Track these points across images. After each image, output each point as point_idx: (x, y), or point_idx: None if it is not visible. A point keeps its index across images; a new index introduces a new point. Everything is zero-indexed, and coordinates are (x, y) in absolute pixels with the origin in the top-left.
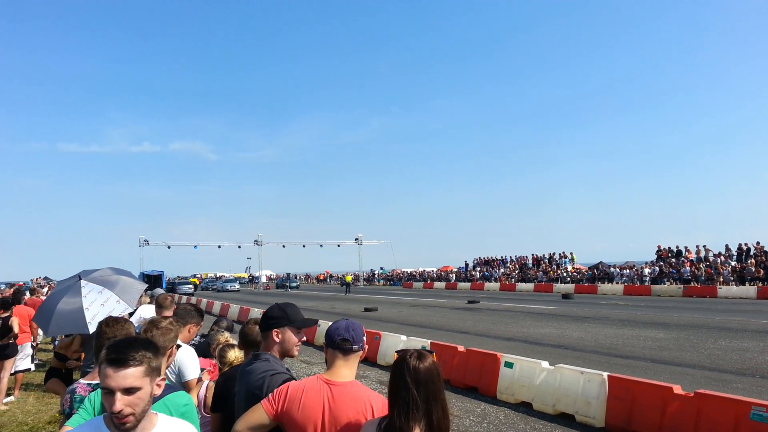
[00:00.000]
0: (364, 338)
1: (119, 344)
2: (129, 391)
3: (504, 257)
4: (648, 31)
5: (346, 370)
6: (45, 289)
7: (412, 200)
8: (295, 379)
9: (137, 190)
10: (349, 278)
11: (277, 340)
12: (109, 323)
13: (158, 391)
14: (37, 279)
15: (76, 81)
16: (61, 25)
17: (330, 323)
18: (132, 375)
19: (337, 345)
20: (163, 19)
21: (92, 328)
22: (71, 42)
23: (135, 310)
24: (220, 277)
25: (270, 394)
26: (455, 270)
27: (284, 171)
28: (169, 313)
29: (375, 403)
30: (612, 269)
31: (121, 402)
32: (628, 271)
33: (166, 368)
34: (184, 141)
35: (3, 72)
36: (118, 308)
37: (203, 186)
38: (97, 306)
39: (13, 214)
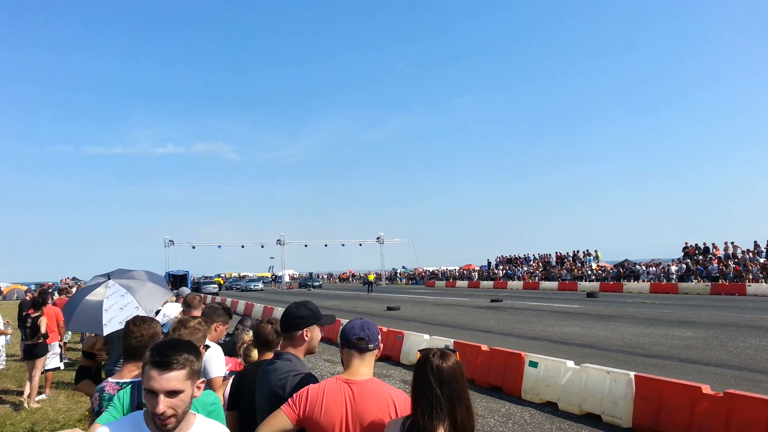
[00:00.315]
0: (379, 337)
1: (163, 346)
2: (172, 393)
3: (527, 255)
4: (675, 23)
5: (364, 368)
6: (74, 290)
7: (433, 199)
8: (317, 380)
9: (162, 191)
10: (371, 277)
11: (306, 339)
12: (136, 322)
13: (198, 393)
14: (65, 280)
15: (100, 84)
16: (86, 28)
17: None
18: (175, 378)
19: (353, 344)
20: (184, 20)
21: (107, 331)
22: (95, 45)
23: (160, 309)
24: (243, 277)
25: (290, 399)
26: (478, 268)
27: (306, 170)
28: (197, 312)
29: (397, 399)
30: (638, 267)
31: (164, 404)
32: (654, 268)
33: None
34: (207, 142)
35: (29, 76)
36: (135, 315)
37: (226, 186)
38: (116, 309)
39: (41, 216)
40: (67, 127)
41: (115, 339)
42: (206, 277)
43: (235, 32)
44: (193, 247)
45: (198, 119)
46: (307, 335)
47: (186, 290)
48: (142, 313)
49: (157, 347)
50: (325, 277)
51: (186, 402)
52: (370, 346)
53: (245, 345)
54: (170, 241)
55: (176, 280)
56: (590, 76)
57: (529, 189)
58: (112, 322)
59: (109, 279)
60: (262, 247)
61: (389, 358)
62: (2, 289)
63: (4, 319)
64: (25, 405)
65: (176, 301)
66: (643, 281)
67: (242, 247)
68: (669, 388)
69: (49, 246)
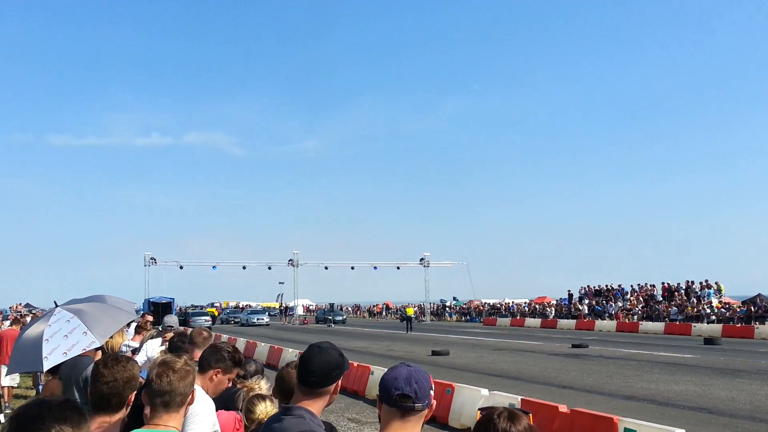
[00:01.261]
0: (431, 392)
1: (26, 414)
2: None
3: (622, 286)
4: None
5: None
6: (28, 319)
7: (496, 210)
8: None
9: (144, 194)
10: (411, 311)
11: (334, 391)
12: (107, 363)
13: None
14: (16, 306)
15: (71, 56)
16: None
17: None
18: None
19: (395, 401)
20: None
21: (48, 365)
22: (67, 10)
23: (140, 346)
24: (244, 307)
25: None
26: (554, 302)
27: (328, 169)
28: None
29: None
30: None
31: None
32: None
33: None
34: (202, 131)
35: None
36: (83, 341)
37: (226, 189)
38: (59, 338)
39: None
40: (26, 108)
41: (73, 383)
42: (196, 307)
43: None
44: (181, 267)
45: (193, 102)
46: (336, 388)
47: (173, 319)
48: (90, 339)
49: (17, 418)
50: (351, 309)
51: None
52: (417, 405)
53: (249, 396)
54: (152, 259)
55: (158, 310)
56: (705, 55)
57: (626, 199)
58: (55, 354)
59: (56, 307)
60: (270, 268)
61: (434, 418)
62: None
63: None
64: None
65: (157, 336)
66: None
67: (243, 268)
68: None
69: None
